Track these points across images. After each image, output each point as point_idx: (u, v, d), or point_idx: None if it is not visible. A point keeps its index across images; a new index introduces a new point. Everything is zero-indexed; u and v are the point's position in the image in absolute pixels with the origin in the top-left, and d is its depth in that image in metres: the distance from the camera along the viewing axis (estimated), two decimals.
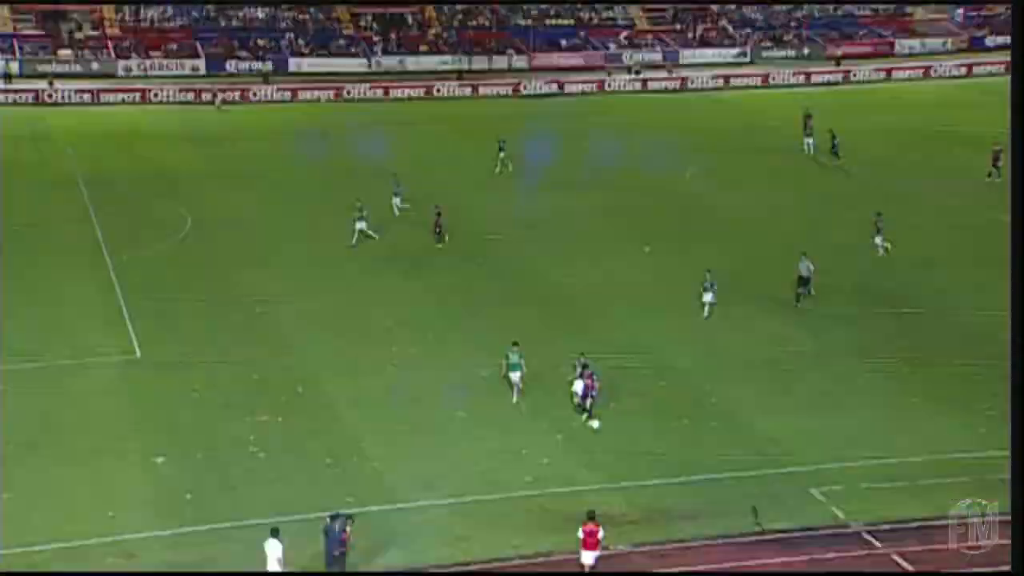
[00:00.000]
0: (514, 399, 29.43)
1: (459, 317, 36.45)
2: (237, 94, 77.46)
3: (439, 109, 76.13)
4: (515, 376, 29.62)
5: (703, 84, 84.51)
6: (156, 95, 76.19)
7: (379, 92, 79.62)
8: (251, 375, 31.54)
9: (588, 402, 28.58)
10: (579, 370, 28.95)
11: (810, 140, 58.87)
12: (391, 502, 24.98)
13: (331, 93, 78.81)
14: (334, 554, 21.51)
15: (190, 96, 76.53)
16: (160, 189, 52.92)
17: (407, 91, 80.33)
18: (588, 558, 21.98)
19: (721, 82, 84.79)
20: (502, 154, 56.11)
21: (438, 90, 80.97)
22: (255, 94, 77.98)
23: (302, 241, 44.14)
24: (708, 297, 35.84)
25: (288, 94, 78.31)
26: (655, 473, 26.52)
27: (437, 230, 43.71)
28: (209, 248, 43.60)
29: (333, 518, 21.65)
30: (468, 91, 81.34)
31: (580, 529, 21.97)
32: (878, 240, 42.17)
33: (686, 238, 45.54)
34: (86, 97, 75.29)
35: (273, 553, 20.98)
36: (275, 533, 21.19)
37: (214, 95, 75.48)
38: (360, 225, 43.20)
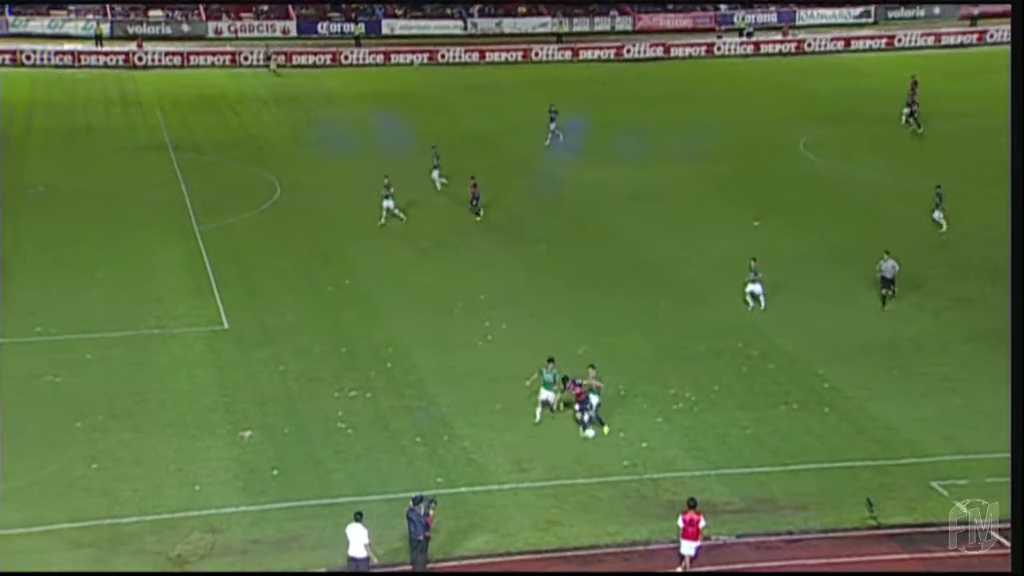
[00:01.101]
0: (536, 418, 27.66)
1: (554, 292, 36.35)
2: (328, 57, 78.41)
3: (537, 73, 75.93)
4: (546, 395, 27.59)
5: (821, 47, 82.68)
6: (246, 58, 77.55)
7: (474, 56, 79.73)
8: (340, 348, 31.93)
9: (586, 416, 26.98)
10: (569, 383, 27.20)
11: (907, 109, 57.20)
12: (481, 483, 25.06)
13: (425, 56, 79.21)
14: (418, 539, 21.55)
15: (280, 59, 77.67)
16: (249, 154, 53.95)
17: (504, 55, 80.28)
18: (688, 548, 21.74)
19: (841, 45, 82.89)
20: (553, 124, 55.04)
21: (536, 54, 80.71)
22: (347, 57, 78.81)
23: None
24: (755, 288, 34.31)
25: (380, 57, 78.97)
26: (761, 460, 26.14)
27: (473, 202, 43.44)
28: (297, 216, 44.27)
29: (416, 501, 21.67)
30: (568, 55, 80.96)
31: (680, 517, 21.72)
32: (936, 215, 41.26)
33: (798, 212, 44.70)
34: (176, 60, 76.99)
35: (359, 538, 21.01)
36: (359, 517, 21.23)
37: (268, 57, 76.37)
38: (387, 204, 42.45)
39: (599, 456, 26.29)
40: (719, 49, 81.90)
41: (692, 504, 21.80)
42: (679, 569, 21.95)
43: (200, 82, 71.94)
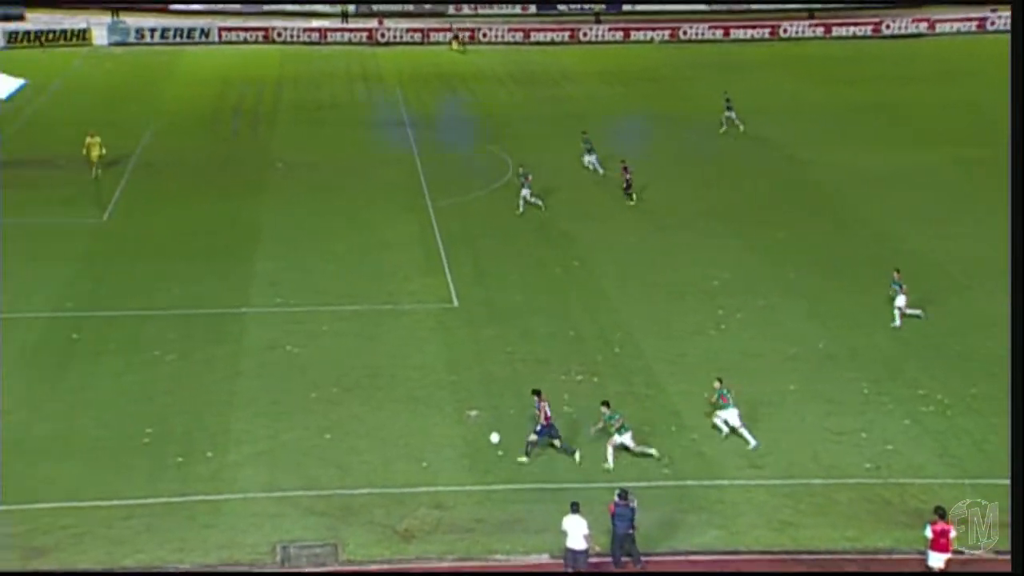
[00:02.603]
0: (751, 444, 25.93)
1: (793, 281, 35.38)
2: (567, 34, 78.94)
3: (785, 52, 74.03)
4: (726, 416, 25.98)
5: None
6: (485, 35, 79.07)
7: (718, 32, 78.56)
8: (567, 331, 32.11)
9: (532, 436, 25.25)
10: (538, 404, 25.37)
11: None
12: (710, 477, 24.69)
13: (666, 33, 78.60)
14: (629, 532, 21.50)
15: (519, 36, 78.80)
16: (483, 132, 55.00)
17: (749, 31, 78.72)
18: (937, 560, 20.75)
19: None
20: (731, 113, 53.26)
21: (784, 30, 78.80)
22: (585, 34, 79.11)
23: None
24: (900, 301, 31.82)
25: (620, 34, 78.86)
26: None
27: (626, 187, 42.75)
28: None
29: (623, 496, 21.54)
30: (819, 31, 78.56)
31: (928, 527, 20.76)
32: None
33: None
34: (416, 36, 79.38)
35: (579, 529, 21.12)
36: (576, 508, 21.33)
37: (454, 36, 77.21)
38: (524, 192, 42.16)
39: (838, 456, 25.42)
40: (992, 24, 77.42)
41: (941, 513, 20.78)
42: None
43: (438, 59, 73.90)
